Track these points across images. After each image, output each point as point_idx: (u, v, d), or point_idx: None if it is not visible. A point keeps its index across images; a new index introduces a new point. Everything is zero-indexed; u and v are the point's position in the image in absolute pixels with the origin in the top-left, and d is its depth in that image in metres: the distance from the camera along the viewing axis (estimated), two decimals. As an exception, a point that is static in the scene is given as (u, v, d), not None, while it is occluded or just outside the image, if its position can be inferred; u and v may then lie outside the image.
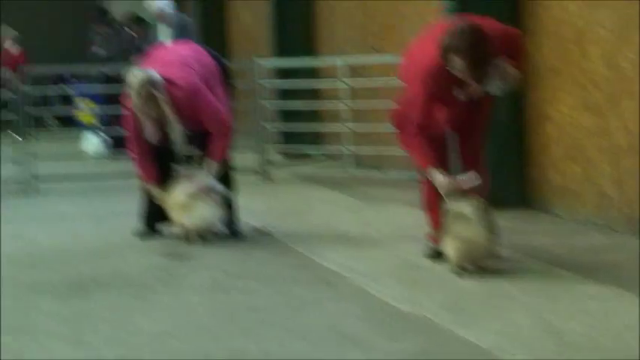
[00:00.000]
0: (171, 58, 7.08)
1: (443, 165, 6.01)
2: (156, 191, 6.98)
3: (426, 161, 5.92)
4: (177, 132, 6.81)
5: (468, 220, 5.68)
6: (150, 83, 6.64)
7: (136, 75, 6.72)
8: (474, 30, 5.78)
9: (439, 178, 5.84)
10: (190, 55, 7.11)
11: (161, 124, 6.82)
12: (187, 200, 6.84)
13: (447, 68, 5.81)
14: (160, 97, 6.66)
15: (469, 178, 5.82)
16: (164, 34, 11.82)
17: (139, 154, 6.98)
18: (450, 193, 5.78)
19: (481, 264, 5.76)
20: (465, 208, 5.73)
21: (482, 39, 5.77)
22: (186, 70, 6.89)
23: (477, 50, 5.71)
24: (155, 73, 6.71)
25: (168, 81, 6.73)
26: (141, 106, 6.70)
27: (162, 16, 11.86)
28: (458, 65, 5.71)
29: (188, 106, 6.77)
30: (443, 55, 5.74)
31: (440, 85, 5.92)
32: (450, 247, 5.75)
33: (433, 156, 5.96)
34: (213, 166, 6.91)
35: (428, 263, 6.05)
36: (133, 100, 6.72)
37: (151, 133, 6.81)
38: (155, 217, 7.30)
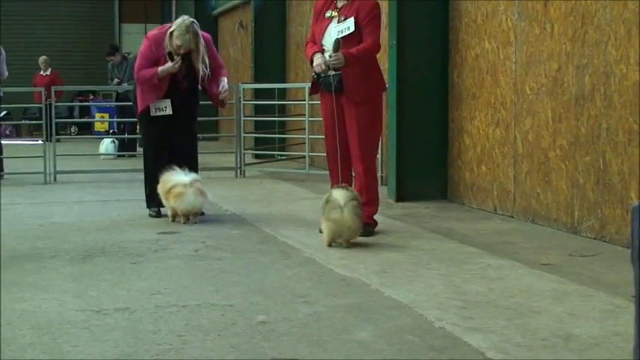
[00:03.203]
0: None
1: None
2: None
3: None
4: (204, 66, 6.94)
5: (340, 207, 5.63)
6: (196, 24, 6.87)
7: (184, 19, 6.87)
8: None
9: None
10: None
11: (190, 60, 6.96)
12: (179, 189, 6.80)
13: None
14: (200, 34, 6.86)
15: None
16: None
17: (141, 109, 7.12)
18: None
19: (350, 240, 5.77)
20: (340, 197, 5.70)
21: None
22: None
23: None
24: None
25: None
26: (186, 41, 6.78)
27: None
28: None
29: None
30: None
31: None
32: (324, 227, 5.78)
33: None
34: (225, 78, 7.22)
35: (364, 239, 6.05)
36: (177, 37, 6.77)
37: (177, 68, 6.90)
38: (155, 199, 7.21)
